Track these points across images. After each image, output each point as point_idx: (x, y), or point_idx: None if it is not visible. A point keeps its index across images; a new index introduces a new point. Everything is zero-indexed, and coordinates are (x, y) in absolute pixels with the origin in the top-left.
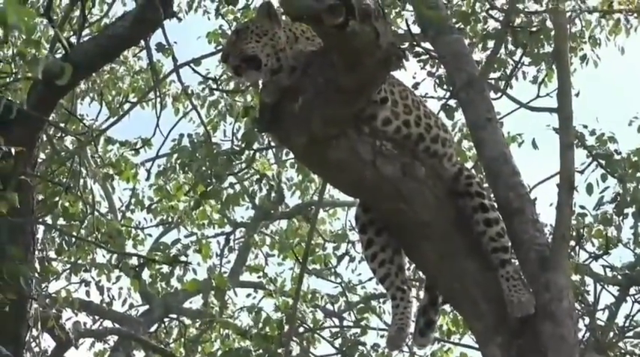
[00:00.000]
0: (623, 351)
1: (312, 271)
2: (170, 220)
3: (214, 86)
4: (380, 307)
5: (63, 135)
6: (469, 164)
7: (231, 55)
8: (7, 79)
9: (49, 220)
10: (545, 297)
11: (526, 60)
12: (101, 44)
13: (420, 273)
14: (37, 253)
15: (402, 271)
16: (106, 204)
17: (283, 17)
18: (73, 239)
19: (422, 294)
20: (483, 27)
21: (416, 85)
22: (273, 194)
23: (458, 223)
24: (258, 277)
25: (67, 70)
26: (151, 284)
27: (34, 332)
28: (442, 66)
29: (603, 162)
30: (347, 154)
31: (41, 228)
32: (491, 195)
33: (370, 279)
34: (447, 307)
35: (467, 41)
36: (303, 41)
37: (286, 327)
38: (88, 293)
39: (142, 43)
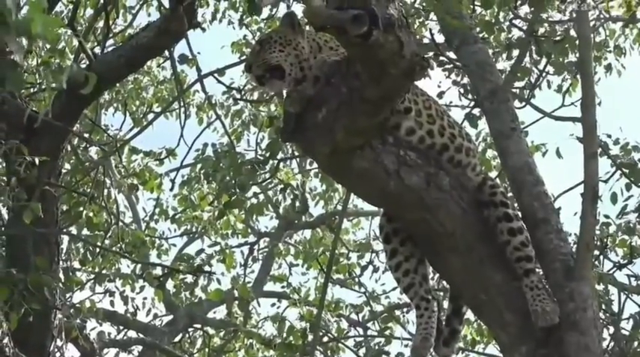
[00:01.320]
0: None
1: (336, 280)
2: (194, 230)
3: (238, 96)
4: (404, 316)
5: (87, 145)
6: (493, 174)
7: (255, 64)
8: (32, 90)
9: (73, 230)
10: (569, 306)
11: (550, 69)
12: (125, 54)
13: (444, 283)
14: (61, 263)
15: (426, 280)
16: (130, 214)
17: (307, 27)
18: (98, 249)
19: (446, 303)
20: (507, 36)
21: (441, 94)
22: (297, 204)
23: (482, 232)
24: (282, 286)
25: (91, 79)
26: (175, 294)
27: (59, 342)
28: (466, 75)
29: (627, 171)
30: (371, 163)
31: (65, 238)
32: (516, 204)
33: (394, 288)
34: (472, 317)
35: (491, 51)
36: (326, 51)
37: (310, 336)
38: (112, 303)
39: (166, 53)
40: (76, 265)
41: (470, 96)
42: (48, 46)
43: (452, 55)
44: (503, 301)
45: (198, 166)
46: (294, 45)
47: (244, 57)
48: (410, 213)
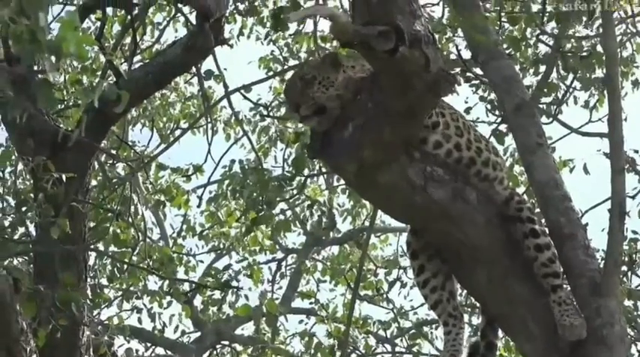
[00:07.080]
0: None
1: (363, 297)
2: (221, 246)
3: (265, 112)
4: (432, 333)
5: (114, 162)
6: (521, 189)
7: (304, 105)
8: (59, 106)
9: (100, 246)
10: (596, 322)
11: (577, 85)
12: (152, 71)
13: (472, 299)
14: (88, 279)
15: (454, 297)
16: (158, 230)
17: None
18: (125, 266)
19: (474, 319)
20: (534, 52)
21: (468, 110)
22: (324, 220)
23: (508, 246)
24: (310, 303)
25: (124, 98)
26: (202, 311)
27: None
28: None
29: None
30: (398, 178)
31: (93, 255)
32: (543, 220)
33: (422, 305)
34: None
35: (517, 66)
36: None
37: (338, 353)
38: (139, 320)
39: (193, 69)
40: (104, 281)
41: (497, 112)
42: (75, 63)
43: (478, 70)
44: (528, 314)
45: (226, 182)
46: (336, 86)
47: (271, 73)
48: (436, 227)
